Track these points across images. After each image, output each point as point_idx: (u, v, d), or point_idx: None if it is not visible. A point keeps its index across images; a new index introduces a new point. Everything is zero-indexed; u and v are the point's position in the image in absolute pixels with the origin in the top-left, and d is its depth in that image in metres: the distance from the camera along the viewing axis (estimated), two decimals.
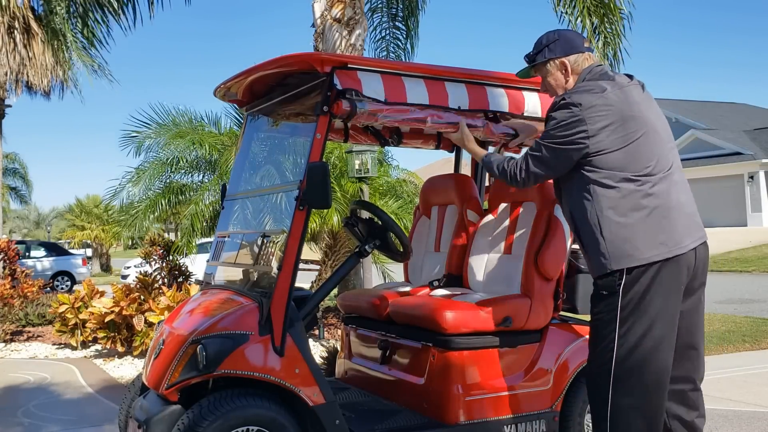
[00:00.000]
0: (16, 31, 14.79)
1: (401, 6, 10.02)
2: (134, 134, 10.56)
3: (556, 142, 2.84)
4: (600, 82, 2.86)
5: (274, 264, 3.31)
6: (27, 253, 20.91)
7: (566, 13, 7.76)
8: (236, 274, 3.85)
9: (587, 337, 3.82)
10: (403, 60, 10.18)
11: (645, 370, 2.77)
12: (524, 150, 3.88)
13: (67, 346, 8.81)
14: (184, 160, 10.54)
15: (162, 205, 10.28)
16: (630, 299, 2.77)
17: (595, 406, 2.89)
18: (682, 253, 2.80)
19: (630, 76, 3.00)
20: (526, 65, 3.14)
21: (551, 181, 3.11)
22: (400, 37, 10.20)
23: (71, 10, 7.77)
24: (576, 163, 2.85)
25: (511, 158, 3.08)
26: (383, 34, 10.14)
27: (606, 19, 7.64)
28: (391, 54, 10.16)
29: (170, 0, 8.70)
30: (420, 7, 10.15)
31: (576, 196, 2.89)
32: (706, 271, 2.98)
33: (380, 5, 10.00)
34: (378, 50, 10.12)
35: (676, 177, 2.87)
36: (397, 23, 10.16)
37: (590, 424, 3.83)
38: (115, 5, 8.13)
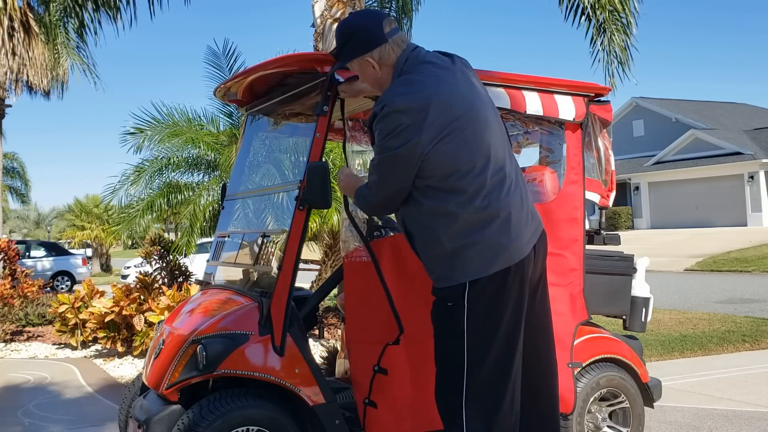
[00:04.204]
0: (15, 32, 14.79)
1: (395, 6, 10.06)
2: (133, 131, 10.55)
3: (391, 153, 2.55)
4: (416, 75, 2.58)
5: (274, 264, 3.31)
6: (27, 253, 20.92)
7: (570, 11, 7.72)
8: (236, 274, 3.85)
9: (587, 336, 3.84)
10: None
11: (499, 384, 2.58)
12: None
13: (67, 346, 8.82)
14: (181, 159, 10.54)
15: (160, 204, 10.28)
16: (477, 311, 2.54)
17: (449, 428, 2.63)
18: (526, 255, 2.60)
19: (449, 56, 2.73)
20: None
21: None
22: None
23: (67, 8, 7.75)
24: None
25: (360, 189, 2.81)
26: None
27: (611, 17, 7.58)
28: None
29: (168, 1, 8.69)
30: (414, 8, 10.20)
31: (410, 206, 2.66)
32: (545, 259, 2.77)
33: (374, 5, 10.05)
34: None
35: (509, 168, 2.65)
36: None
37: (590, 424, 3.84)
38: (112, 3, 8.10)
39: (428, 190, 2.59)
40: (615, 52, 7.56)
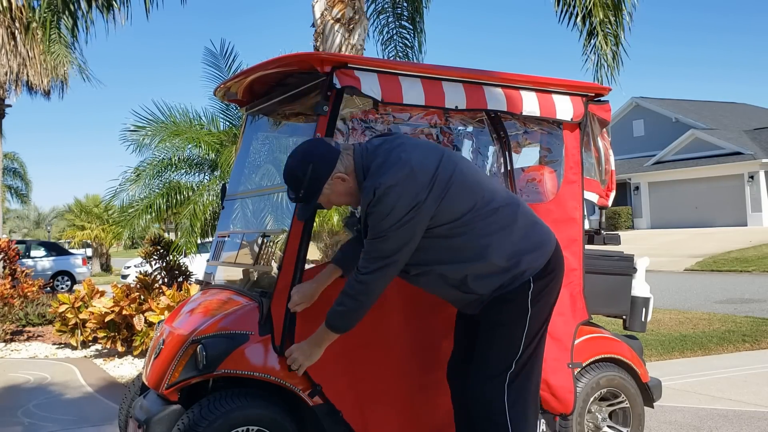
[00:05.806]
0: (16, 31, 14.80)
1: (406, 5, 10.15)
2: (134, 129, 10.52)
3: (396, 226, 2.63)
4: (381, 158, 2.70)
5: (274, 264, 3.31)
6: (27, 253, 20.90)
7: (564, 15, 7.74)
8: (236, 274, 3.85)
9: (587, 336, 3.84)
10: (411, 57, 10.35)
11: (536, 367, 2.91)
12: None
13: (67, 346, 8.82)
14: (182, 159, 10.53)
15: (160, 204, 10.26)
16: (538, 301, 2.81)
17: (490, 414, 2.79)
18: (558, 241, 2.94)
19: (387, 133, 3.03)
20: (303, 203, 2.83)
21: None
22: (407, 36, 10.38)
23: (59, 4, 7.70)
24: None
25: (344, 292, 2.79)
26: (391, 35, 10.29)
27: (607, 19, 7.59)
28: (399, 53, 10.29)
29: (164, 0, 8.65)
30: (424, 5, 10.31)
31: (449, 262, 2.78)
32: None
33: (386, 6, 10.14)
34: (387, 50, 10.26)
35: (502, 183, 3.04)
36: (403, 22, 10.32)
37: (590, 424, 3.84)
38: (105, 2, 8.06)
39: (460, 227, 2.74)
40: (606, 56, 7.61)
